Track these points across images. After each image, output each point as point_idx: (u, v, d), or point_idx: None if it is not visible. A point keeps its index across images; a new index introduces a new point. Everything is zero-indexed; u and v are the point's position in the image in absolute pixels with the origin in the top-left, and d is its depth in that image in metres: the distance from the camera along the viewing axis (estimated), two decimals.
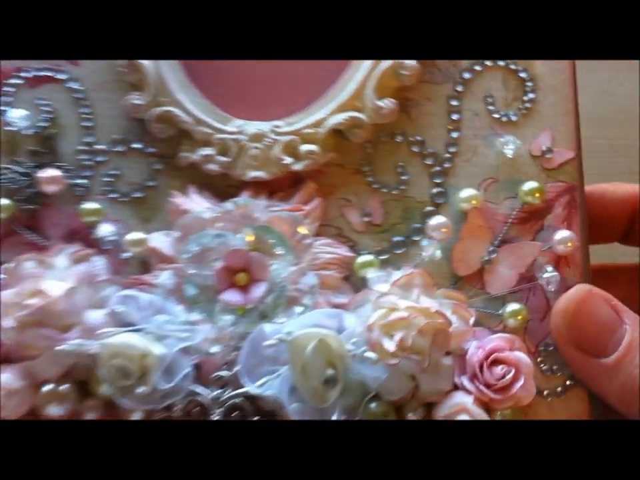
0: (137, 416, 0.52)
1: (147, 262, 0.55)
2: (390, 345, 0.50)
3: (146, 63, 0.55)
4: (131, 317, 0.53)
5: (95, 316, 0.53)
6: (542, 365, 0.54)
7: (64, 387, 0.53)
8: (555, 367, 0.54)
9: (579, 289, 0.51)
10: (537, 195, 0.54)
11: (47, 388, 0.52)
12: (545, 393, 0.53)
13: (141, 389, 0.52)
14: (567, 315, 0.50)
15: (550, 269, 0.53)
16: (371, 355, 0.50)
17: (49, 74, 0.56)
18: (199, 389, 0.53)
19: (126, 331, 0.53)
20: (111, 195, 0.56)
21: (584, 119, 0.55)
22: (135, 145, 0.56)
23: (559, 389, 0.54)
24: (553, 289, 0.53)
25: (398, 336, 0.50)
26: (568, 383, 0.54)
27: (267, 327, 0.52)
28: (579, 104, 0.55)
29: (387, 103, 0.55)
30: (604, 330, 0.49)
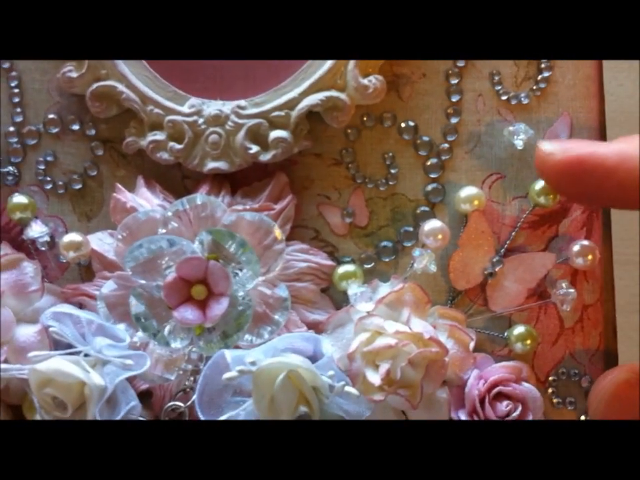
0: None
1: (88, 266, 0.49)
2: (375, 378, 0.44)
3: None
4: (66, 338, 0.46)
5: (25, 333, 0.47)
6: (553, 397, 0.48)
7: None
8: (568, 400, 0.48)
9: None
10: (551, 195, 0.47)
11: None
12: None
13: None
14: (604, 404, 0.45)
15: (565, 285, 0.47)
16: (352, 390, 0.44)
17: None
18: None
19: (60, 354, 0.46)
20: (46, 186, 0.49)
21: None
22: (72, 127, 0.49)
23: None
24: (568, 309, 0.47)
25: (384, 367, 0.44)
26: (582, 418, 0.48)
27: (228, 354, 0.45)
28: None
29: (373, 81, 0.47)
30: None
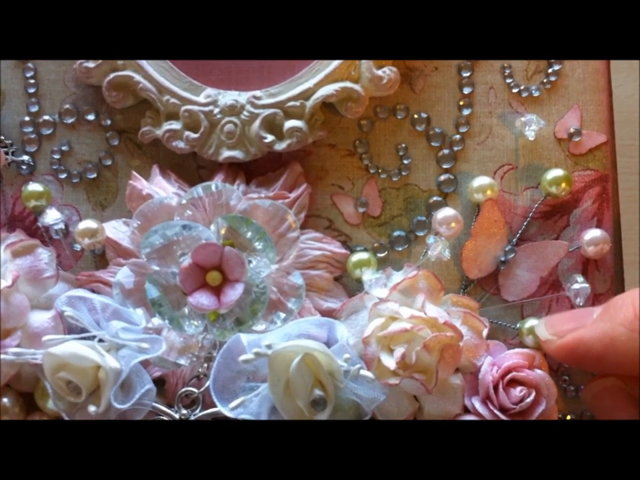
0: None
1: (102, 255, 0.49)
2: (390, 362, 0.44)
3: None
4: (81, 322, 0.46)
5: (39, 319, 0.47)
6: (565, 386, 0.48)
7: (5, 401, 0.47)
8: (581, 388, 0.48)
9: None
10: (563, 185, 0.48)
11: None
12: (569, 418, 0.48)
13: (92, 408, 0.45)
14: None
15: (580, 279, 0.47)
16: (367, 373, 0.44)
17: None
18: (163, 408, 0.46)
19: (75, 339, 0.46)
20: (60, 176, 0.50)
21: None
22: (87, 117, 0.50)
23: (588, 413, 0.48)
24: (581, 303, 0.47)
25: (399, 351, 0.44)
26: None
27: (244, 337, 0.45)
28: None
29: (387, 72, 0.48)
30: None
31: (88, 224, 0.48)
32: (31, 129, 0.49)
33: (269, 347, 0.44)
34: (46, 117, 0.49)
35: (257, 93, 0.48)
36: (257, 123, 0.47)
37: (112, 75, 0.48)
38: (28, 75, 0.49)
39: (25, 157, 0.49)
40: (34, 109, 0.49)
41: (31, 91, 0.49)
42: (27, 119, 0.49)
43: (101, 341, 0.46)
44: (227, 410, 0.44)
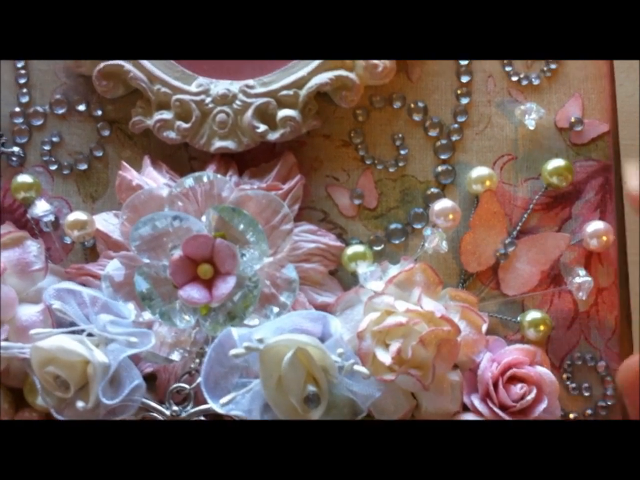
0: None
1: (93, 248, 0.48)
2: (385, 357, 0.43)
3: None
4: (70, 316, 0.45)
5: (27, 313, 0.46)
6: (568, 383, 0.47)
7: None
8: (584, 385, 0.47)
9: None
10: (564, 175, 0.47)
11: None
12: (572, 417, 0.47)
13: (80, 404, 0.44)
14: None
15: (582, 272, 0.46)
16: (361, 368, 0.43)
17: None
18: (153, 405, 0.46)
19: (63, 332, 0.45)
20: (51, 167, 0.49)
21: None
22: (78, 107, 0.49)
23: (589, 411, 0.47)
24: (584, 297, 0.46)
25: (395, 346, 0.43)
26: (600, 404, 0.47)
27: (235, 331, 0.44)
28: None
29: (383, 60, 0.47)
30: None
31: (77, 215, 0.47)
32: (21, 120, 0.49)
33: (260, 341, 0.43)
34: (36, 108, 0.49)
35: (250, 81, 0.47)
36: (249, 113, 0.47)
37: (102, 65, 0.47)
38: (19, 65, 0.49)
39: (15, 148, 0.49)
40: (24, 99, 0.49)
41: (22, 81, 0.49)
42: (17, 109, 0.49)
43: (90, 335, 0.45)
44: (217, 406, 0.43)
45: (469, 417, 0.45)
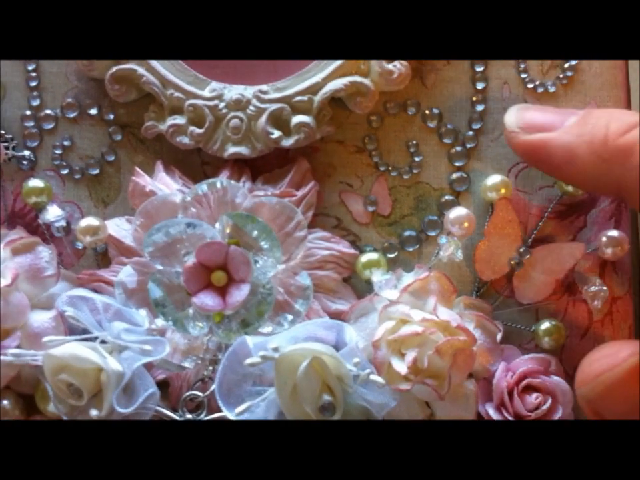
0: None
1: (105, 254, 0.48)
2: (401, 367, 0.43)
3: None
4: (82, 323, 0.45)
5: (39, 319, 0.46)
6: None
7: (5, 403, 0.46)
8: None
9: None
10: None
11: None
12: None
13: (94, 412, 0.44)
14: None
15: (597, 282, 0.46)
16: (377, 378, 0.43)
17: None
18: (167, 413, 0.45)
19: (76, 340, 0.45)
20: (62, 171, 0.48)
21: None
22: (90, 111, 0.48)
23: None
24: (599, 306, 0.46)
25: (411, 355, 0.43)
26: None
27: (250, 340, 0.44)
28: None
29: (398, 66, 0.46)
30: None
31: (89, 221, 0.47)
32: (32, 123, 0.48)
33: (275, 349, 0.42)
34: (47, 111, 0.48)
35: (264, 87, 0.46)
36: (263, 118, 0.46)
37: (114, 68, 0.47)
38: (29, 67, 0.48)
39: (26, 152, 0.48)
40: (35, 102, 0.48)
41: (33, 84, 0.48)
42: (28, 112, 0.48)
43: (103, 342, 0.44)
44: (232, 415, 0.43)
45: None
